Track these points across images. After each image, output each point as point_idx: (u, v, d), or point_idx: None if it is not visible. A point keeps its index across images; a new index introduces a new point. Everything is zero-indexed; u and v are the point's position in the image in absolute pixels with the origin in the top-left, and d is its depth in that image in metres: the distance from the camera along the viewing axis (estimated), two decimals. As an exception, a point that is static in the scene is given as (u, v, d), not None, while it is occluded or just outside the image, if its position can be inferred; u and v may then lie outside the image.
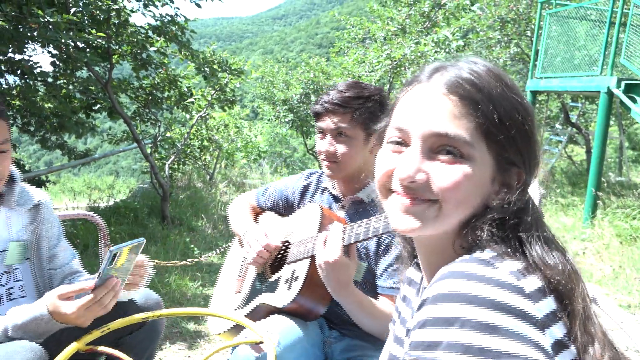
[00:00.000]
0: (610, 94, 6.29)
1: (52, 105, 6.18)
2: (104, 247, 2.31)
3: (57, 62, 5.41)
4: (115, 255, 1.24)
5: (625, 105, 6.12)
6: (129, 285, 1.45)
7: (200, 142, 9.24)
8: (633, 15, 6.32)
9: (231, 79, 6.63)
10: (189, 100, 6.57)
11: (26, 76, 5.88)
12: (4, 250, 1.55)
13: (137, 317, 1.35)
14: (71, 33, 4.40)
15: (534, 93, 8.26)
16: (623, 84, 6.12)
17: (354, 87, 1.67)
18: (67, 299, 1.30)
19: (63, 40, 4.37)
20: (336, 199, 1.80)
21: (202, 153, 9.52)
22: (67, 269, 1.69)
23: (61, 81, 5.97)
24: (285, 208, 1.93)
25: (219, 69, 6.28)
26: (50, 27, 4.18)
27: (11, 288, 1.57)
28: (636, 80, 6.18)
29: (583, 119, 11.99)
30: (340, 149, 1.65)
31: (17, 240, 1.59)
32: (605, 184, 8.26)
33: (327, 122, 1.66)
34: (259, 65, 13.40)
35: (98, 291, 1.28)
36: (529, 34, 10.90)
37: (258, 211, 2.02)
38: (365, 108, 1.63)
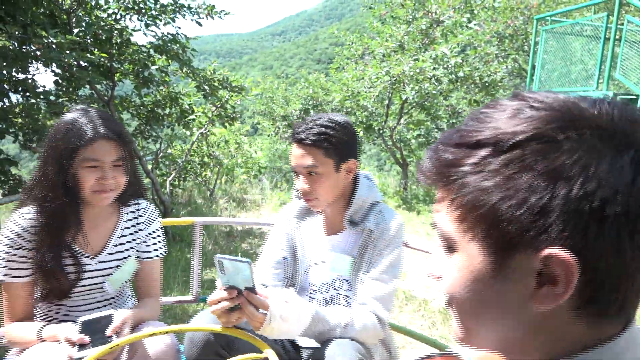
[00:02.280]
0: (606, 108, 6.33)
1: (54, 123, 6.20)
2: None
3: (60, 81, 5.48)
4: (221, 264, 1.30)
5: (621, 119, 6.17)
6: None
7: (200, 158, 9.29)
8: (627, 30, 6.41)
9: (232, 95, 6.68)
10: (190, 117, 6.63)
11: (28, 94, 5.94)
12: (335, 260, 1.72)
13: (145, 334, 1.37)
14: (74, 53, 4.47)
15: (532, 108, 8.31)
16: (619, 98, 6.17)
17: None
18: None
19: (66, 60, 4.44)
20: None
21: (203, 169, 9.56)
22: (360, 298, 1.67)
23: (63, 99, 6.03)
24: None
25: (220, 87, 6.34)
26: (54, 47, 4.26)
27: (339, 294, 1.72)
28: (632, 94, 6.25)
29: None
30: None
31: (347, 254, 1.72)
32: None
33: None
34: (258, 81, 13.50)
35: (223, 296, 1.35)
36: (526, 48, 11.04)
37: None
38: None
